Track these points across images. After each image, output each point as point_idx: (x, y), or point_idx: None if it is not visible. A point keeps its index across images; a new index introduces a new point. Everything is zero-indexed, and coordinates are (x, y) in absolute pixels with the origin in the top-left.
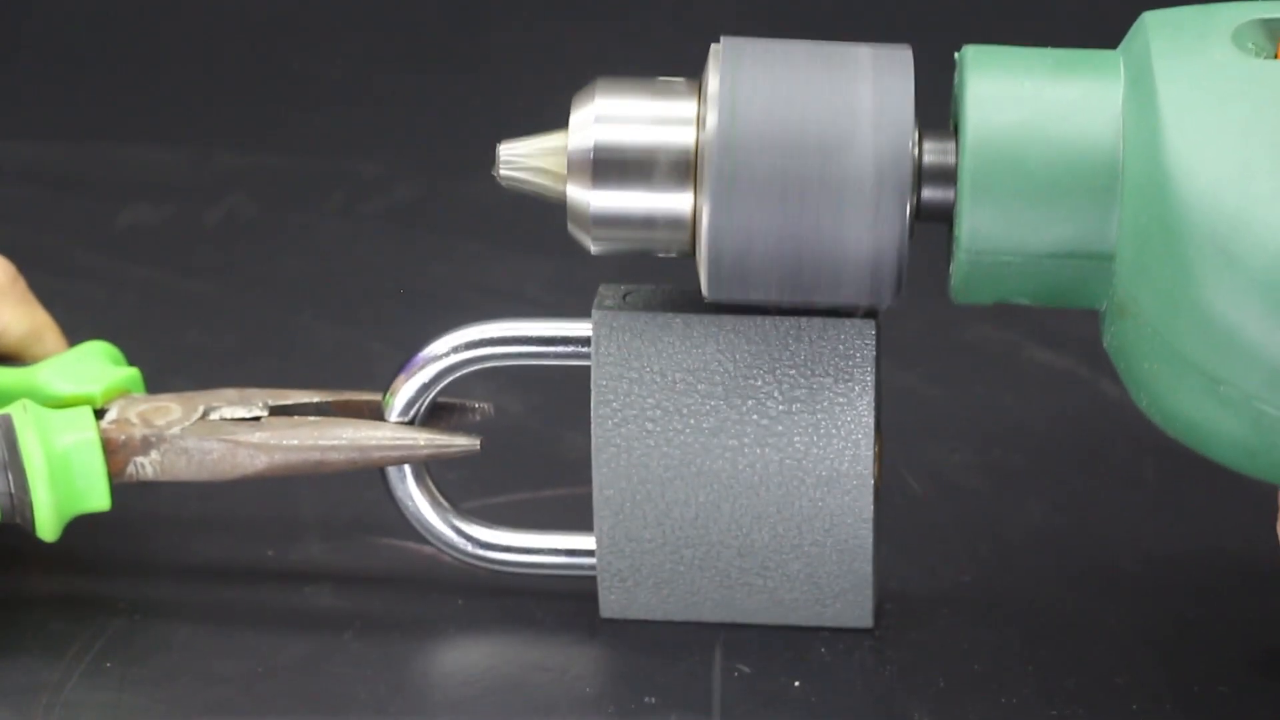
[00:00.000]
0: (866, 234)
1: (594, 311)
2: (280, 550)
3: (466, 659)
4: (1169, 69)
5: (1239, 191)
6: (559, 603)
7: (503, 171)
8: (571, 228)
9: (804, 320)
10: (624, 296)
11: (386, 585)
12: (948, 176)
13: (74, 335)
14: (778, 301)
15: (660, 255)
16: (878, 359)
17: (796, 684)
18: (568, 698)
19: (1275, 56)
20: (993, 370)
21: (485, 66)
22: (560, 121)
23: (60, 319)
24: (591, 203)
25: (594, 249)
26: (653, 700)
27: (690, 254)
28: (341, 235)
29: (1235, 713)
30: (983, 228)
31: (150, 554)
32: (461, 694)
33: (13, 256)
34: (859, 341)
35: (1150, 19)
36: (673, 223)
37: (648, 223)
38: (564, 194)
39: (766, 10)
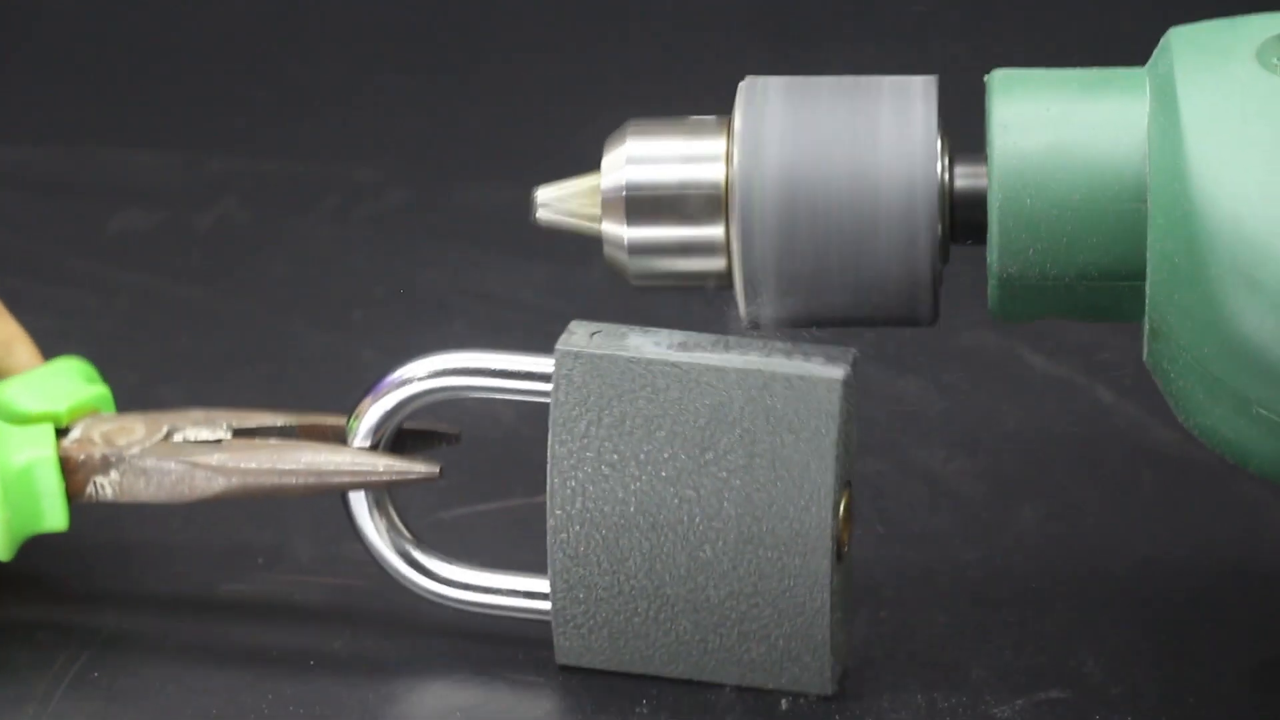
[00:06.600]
0: (896, 259)
1: (557, 349)
2: (269, 560)
3: (454, 673)
4: (1192, 89)
5: (1262, 217)
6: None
7: (540, 215)
8: (609, 264)
9: (770, 375)
10: (591, 335)
11: (378, 597)
12: (979, 200)
13: (64, 341)
14: (814, 326)
15: (697, 286)
16: (847, 419)
17: (784, 699)
18: None
19: None
20: (990, 377)
21: (478, 71)
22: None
23: (50, 325)
24: (626, 238)
25: (634, 283)
26: None
27: (728, 286)
28: (333, 241)
29: None
30: (1013, 251)
31: (138, 566)
32: (449, 705)
33: (2, 262)
34: (824, 400)
35: (1175, 35)
36: (707, 256)
37: (683, 256)
38: (600, 232)
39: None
